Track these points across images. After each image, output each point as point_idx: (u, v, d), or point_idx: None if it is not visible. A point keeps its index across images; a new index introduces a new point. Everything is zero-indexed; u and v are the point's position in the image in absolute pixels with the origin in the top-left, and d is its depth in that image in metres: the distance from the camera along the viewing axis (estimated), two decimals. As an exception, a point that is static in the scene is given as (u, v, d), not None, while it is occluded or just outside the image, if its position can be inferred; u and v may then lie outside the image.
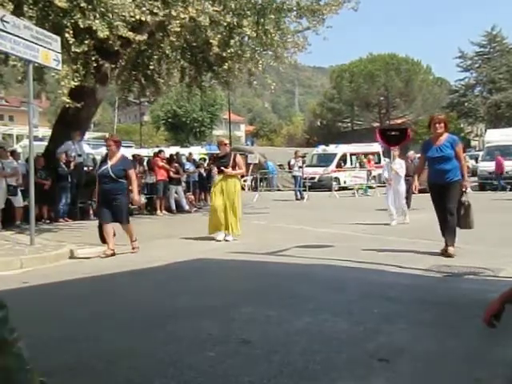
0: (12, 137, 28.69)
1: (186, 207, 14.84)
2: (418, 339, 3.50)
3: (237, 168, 8.91)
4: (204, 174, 16.99)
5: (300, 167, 20.18)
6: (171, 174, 14.41)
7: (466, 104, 48.69)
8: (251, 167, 24.45)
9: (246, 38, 12.52)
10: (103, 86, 12.52)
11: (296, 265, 6.36)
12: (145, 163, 15.15)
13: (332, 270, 6.02)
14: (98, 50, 10.60)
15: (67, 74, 9.64)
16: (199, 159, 20.11)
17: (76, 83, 9.95)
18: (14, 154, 12.16)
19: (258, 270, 6.18)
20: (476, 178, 22.38)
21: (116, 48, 10.51)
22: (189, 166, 16.68)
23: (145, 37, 10.59)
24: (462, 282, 5.27)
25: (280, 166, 26.44)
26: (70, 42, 9.55)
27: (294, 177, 20.52)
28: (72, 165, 12.37)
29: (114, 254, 7.41)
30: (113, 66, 12.07)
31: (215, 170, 9.60)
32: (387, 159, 14.98)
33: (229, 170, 8.75)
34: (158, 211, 13.98)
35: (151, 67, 12.68)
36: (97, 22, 9.30)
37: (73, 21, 9.37)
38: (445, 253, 6.47)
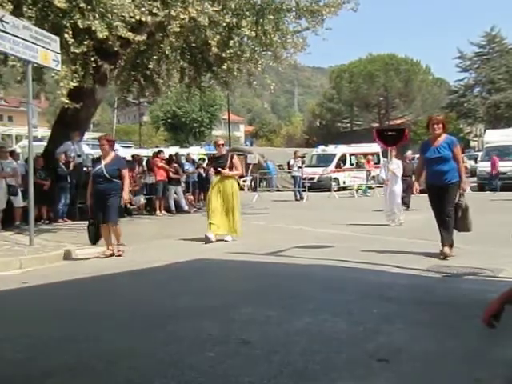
0: (11, 137, 28.63)
1: (186, 207, 14.84)
2: (418, 339, 3.51)
3: (234, 169, 8.89)
4: (203, 175, 16.99)
5: (299, 167, 20.18)
6: (170, 174, 14.41)
7: (465, 104, 48.66)
8: (251, 167, 24.44)
9: (246, 39, 12.52)
10: (102, 87, 12.51)
11: (295, 265, 6.37)
12: (144, 163, 15.15)
13: (331, 271, 6.02)
14: (97, 51, 10.59)
15: (66, 75, 9.63)
16: (198, 159, 20.11)
17: (75, 84, 9.94)
18: (13, 154, 12.16)
19: (258, 271, 6.19)
20: (475, 179, 22.41)
21: (115, 48, 10.50)
22: (188, 167, 16.69)
23: (144, 37, 10.58)
24: (461, 283, 5.27)
25: (279, 166, 26.43)
26: (70, 43, 9.53)
27: (294, 177, 20.53)
28: (71, 165, 12.36)
29: (114, 254, 7.42)
30: (112, 66, 12.06)
31: (212, 170, 9.58)
32: (385, 159, 14.99)
33: (226, 171, 8.73)
34: (158, 211, 13.98)
35: (150, 67, 12.67)
36: (96, 22, 9.29)
37: (72, 21, 9.36)
38: (441, 253, 6.46)
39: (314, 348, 3.34)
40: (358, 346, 3.38)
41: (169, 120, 50.69)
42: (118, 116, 59.44)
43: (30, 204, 8.16)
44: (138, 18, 9.75)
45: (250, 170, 24.65)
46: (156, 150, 17.89)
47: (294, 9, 12.65)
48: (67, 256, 7.43)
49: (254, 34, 11.79)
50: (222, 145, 9.35)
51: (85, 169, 12.97)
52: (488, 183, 21.24)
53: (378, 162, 25.50)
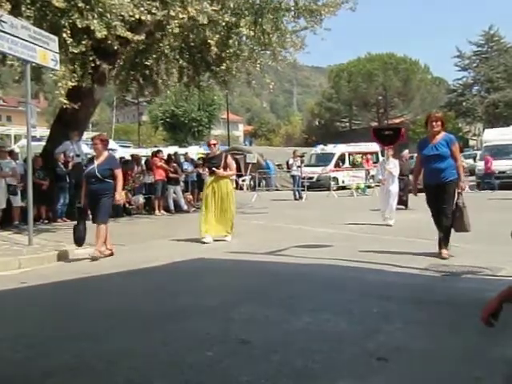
0: (10, 137, 28.63)
1: (185, 207, 14.84)
2: (417, 338, 3.51)
3: (228, 169, 8.86)
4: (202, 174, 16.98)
5: (298, 167, 20.17)
6: (169, 173, 14.41)
7: (463, 103, 48.74)
8: (250, 167, 24.43)
9: (244, 38, 12.53)
10: (101, 86, 12.49)
11: (295, 264, 6.37)
12: (143, 163, 15.15)
13: (331, 270, 6.03)
14: (95, 50, 10.58)
15: (65, 75, 9.62)
16: (197, 159, 20.09)
17: (74, 83, 9.93)
18: (12, 154, 12.14)
19: (257, 270, 6.19)
20: (474, 178, 22.44)
21: (114, 48, 10.49)
22: (187, 166, 16.68)
23: (143, 37, 10.56)
24: (460, 281, 5.28)
25: (278, 165, 26.43)
26: (68, 42, 9.52)
27: (293, 176, 20.52)
28: (70, 165, 12.35)
29: (113, 254, 7.41)
30: (111, 66, 12.04)
31: (206, 170, 9.52)
32: (383, 158, 14.99)
33: (220, 171, 8.70)
34: (157, 211, 13.97)
35: (149, 67, 12.66)
36: (95, 21, 9.27)
37: (70, 21, 9.34)
38: (439, 255, 6.43)
39: (313, 347, 3.34)
40: (358, 344, 3.38)
41: (168, 119, 50.65)
42: (117, 115, 59.50)
43: (29, 204, 8.15)
44: (136, 17, 9.73)
45: (249, 170, 24.64)
46: (155, 149, 17.88)
47: (292, 8, 12.66)
48: (66, 256, 7.42)
49: (252, 33, 11.80)
50: (215, 145, 9.27)
51: (84, 168, 12.95)
52: (482, 181, 21.32)
53: (377, 162, 25.50)
